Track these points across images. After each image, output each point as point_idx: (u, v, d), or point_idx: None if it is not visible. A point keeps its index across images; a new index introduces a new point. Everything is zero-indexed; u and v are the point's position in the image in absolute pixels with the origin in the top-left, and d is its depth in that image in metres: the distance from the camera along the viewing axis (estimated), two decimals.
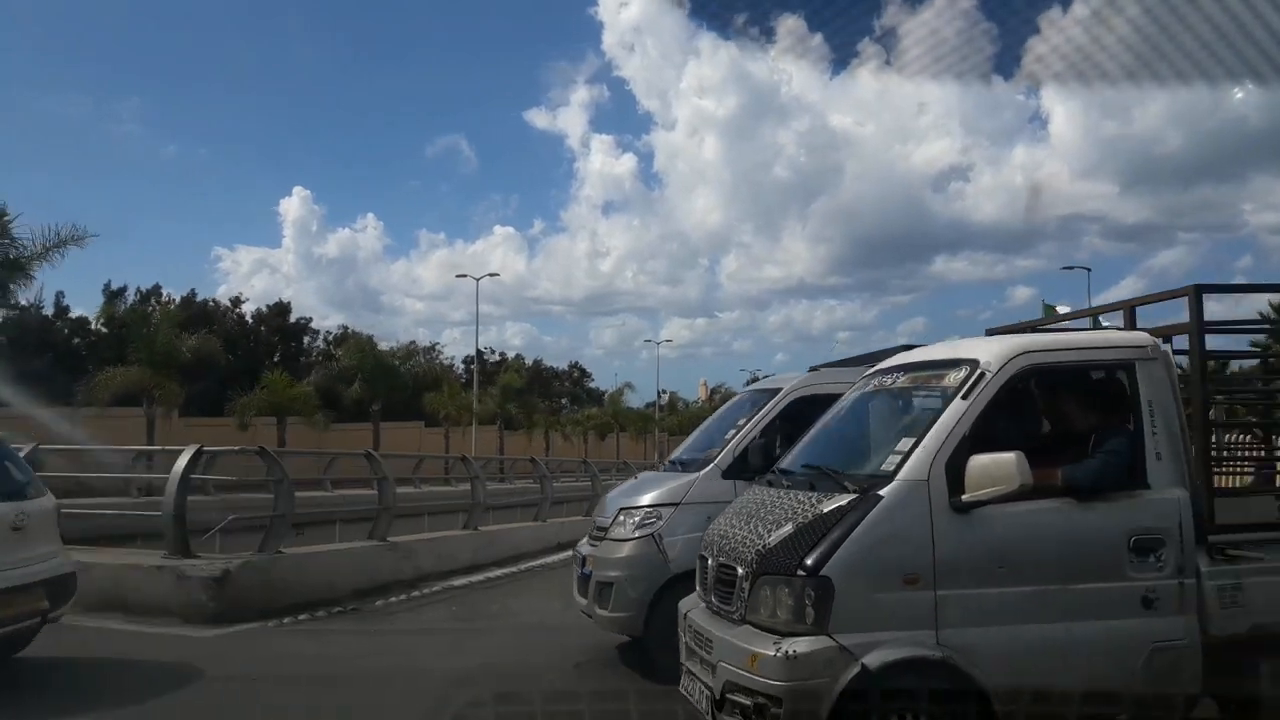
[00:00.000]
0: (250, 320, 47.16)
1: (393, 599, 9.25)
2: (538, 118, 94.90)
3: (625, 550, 6.10)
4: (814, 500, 3.89)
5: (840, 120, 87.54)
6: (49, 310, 35.94)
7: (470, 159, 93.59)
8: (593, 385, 79.45)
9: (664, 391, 71.22)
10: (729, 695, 3.65)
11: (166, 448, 11.28)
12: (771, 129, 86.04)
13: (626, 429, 61.66)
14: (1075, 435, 4.09)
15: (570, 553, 7.76)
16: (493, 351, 72.19)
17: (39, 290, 24.68)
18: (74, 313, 39.34)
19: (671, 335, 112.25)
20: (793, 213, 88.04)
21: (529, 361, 74.87)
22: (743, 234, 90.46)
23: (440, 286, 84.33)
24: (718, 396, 79.50)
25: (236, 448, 11.27)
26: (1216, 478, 5.60)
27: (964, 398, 3.83)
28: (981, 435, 3.84)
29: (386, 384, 32.30)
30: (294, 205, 73.12)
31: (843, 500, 3.76)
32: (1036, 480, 3.71)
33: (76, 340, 38.65)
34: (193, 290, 45.12)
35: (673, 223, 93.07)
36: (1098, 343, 4.35)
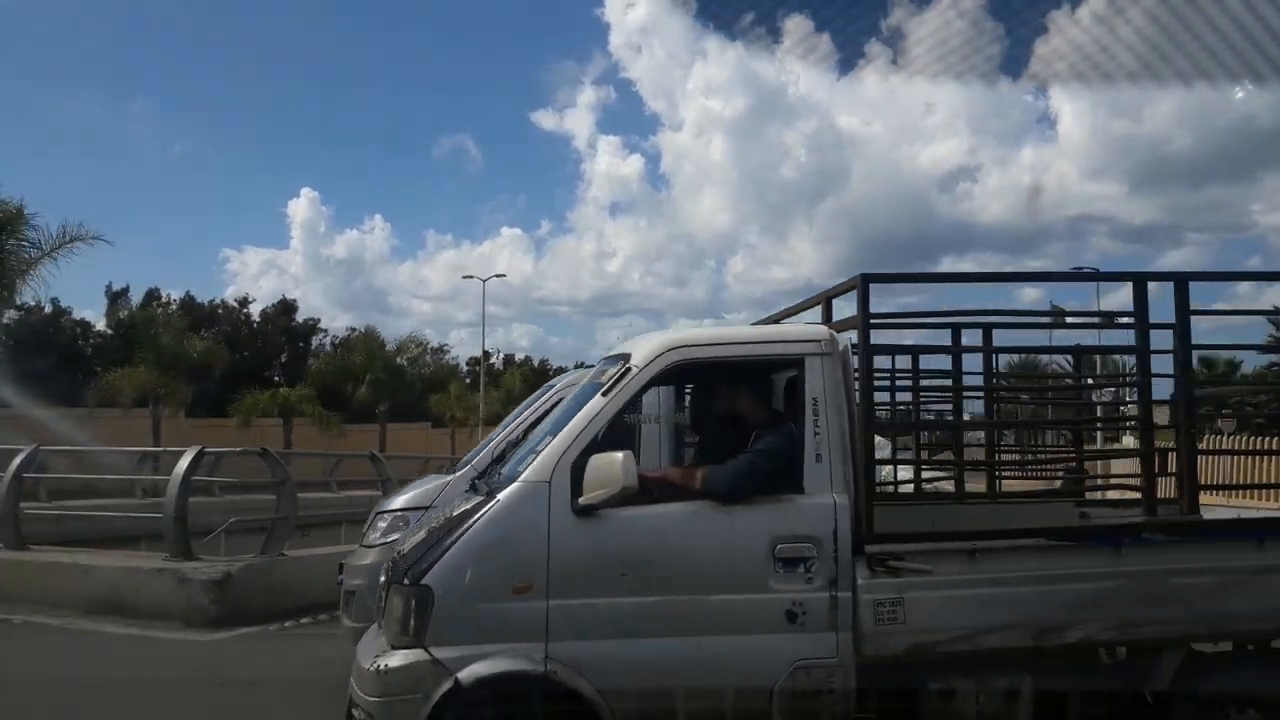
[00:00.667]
0: (257, 320, 47.33)
1: None
2: (544, 119, 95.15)
3: (370, 557, 5.74)
4: (460, 503, 3.72)
5: (847, 121, 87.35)
6: (49, 311, 36.03)
7: (477, 160, 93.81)
8: None
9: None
10: (351, 710, 3.50)
11: (169, 449, 11.28)
12: (779, 129, 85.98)
13: None
14: (744, 435, 3.82)
15: None
16: (498, 353, 72.33)
17: (41, 290, 24.73)
18: (76, 314, 39.50)
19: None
20: (800, 213, 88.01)
21: (535, 362, 74.95)
22: (749, 235, 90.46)
23: (447, 288, 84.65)
24: None
25: (239, 449, 11.26)
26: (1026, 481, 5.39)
27: (604, 394, 3.60)
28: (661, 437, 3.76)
29: (393, 385, 32.34)
30: (302, 206, 73.23)
31: (469, 503, 3.56)
32: (680, 481, 3.59)
33: (81, 342, 38.81)
34: (187, 292, 45.25)
35: (679, 224, 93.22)
36: (765, 337, 4.08)
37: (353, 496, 15.33)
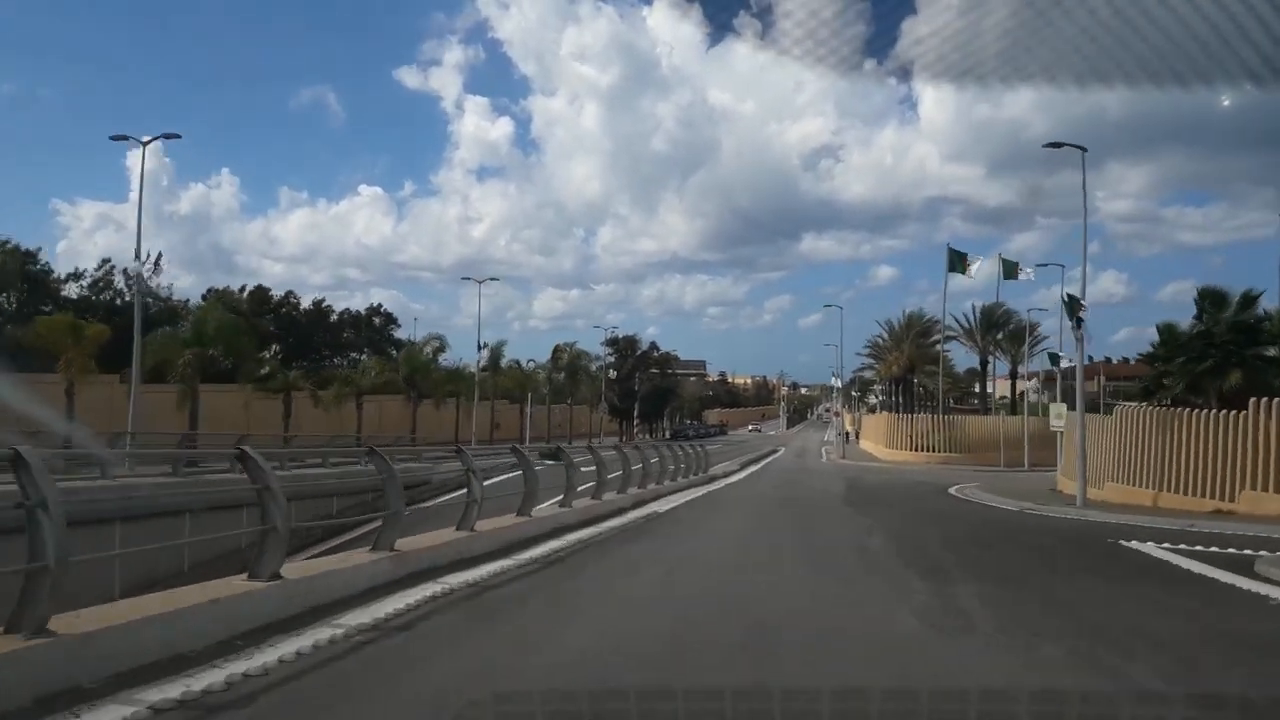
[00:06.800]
0: None
1: None
2: (409, 76, 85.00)
3: None
4: None
5: (719, 96, 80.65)
6: None
7: (337, 114, 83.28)
8: (402, 336, 68.27)
9: (486, 345, 57.94)
10: None
11: None
12: (652, 101, 79.08)
13: (431, 395, 49.72)
14: None
15: None
16: (243, 289, 59.90)
17: None
18: None
19: (545, 306, 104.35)
20: (671, 186, 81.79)
21: (308, 304, 62.97)
22: (620, 205, 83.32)
23: (301, 248, 74.78)
24: (564, 356, 69.74)
25: None
26: None
27: None
28: None
29: None
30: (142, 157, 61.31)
31: None
32: None
33: None
34: None
35: (549, 191, 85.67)
36: None
37: None
